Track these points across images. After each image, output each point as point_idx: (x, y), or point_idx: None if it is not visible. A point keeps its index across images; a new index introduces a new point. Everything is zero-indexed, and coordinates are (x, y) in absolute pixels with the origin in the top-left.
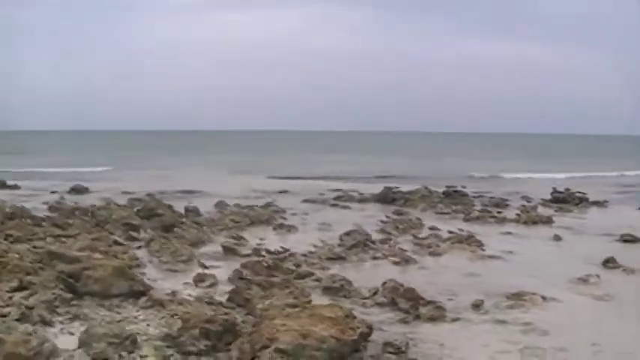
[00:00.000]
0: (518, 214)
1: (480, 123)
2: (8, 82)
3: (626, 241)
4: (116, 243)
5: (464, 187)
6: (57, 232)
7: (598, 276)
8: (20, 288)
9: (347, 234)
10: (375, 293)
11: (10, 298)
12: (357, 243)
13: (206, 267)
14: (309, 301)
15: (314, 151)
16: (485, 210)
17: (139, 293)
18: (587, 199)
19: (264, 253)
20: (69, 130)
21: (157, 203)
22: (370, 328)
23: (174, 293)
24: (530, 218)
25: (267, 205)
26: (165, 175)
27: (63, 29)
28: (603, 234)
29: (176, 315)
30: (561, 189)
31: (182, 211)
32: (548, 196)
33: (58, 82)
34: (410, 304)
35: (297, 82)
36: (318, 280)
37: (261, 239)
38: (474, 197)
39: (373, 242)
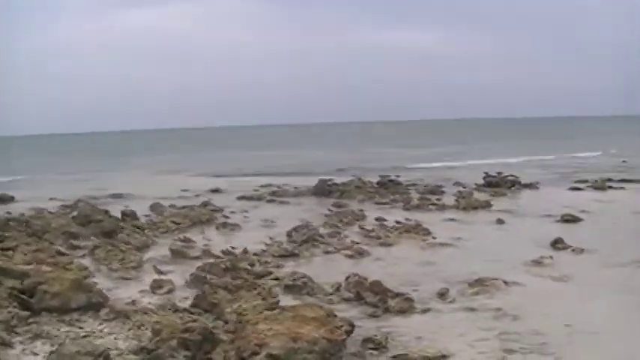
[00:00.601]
0: (457, 200)
1: (396, 111)
2: None
3: (566, 221)
4: (59, 253)
5: (398, 176)
6: None
7: (551, 257)
8: None
9: (294, 230)
10: (337, 289)
11: None
12: (308, 238)
13: (162, 273)
14: (277, 302)
15: (232, 147)
16: (424, 198)
17: (97, 305)
18: (519, 182)
19: (215, 253)
20: None
21: (93, 209)
22: (352, 325)
23: (134, 302)
24: (469, 204)
25: (204, 204)
26: (90, 179)
27: None
28: (543, 215)
29: (143, 326)
30: (493, 173)
31: (118, 215)
32: (481, 181)
33: None
34: (378, 297)
35: (206, 77)
36: (277, 279)
37: (207, 240)
38: (408, 186)
39: (322, 236)
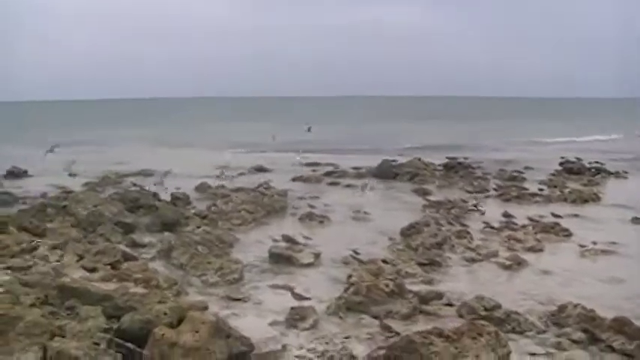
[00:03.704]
0: (561, 191)
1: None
2: None
3: None
4: (125, 257)
5: (466, 158)
6: (34, 242)
7: None
8: None
9: (412, 227)
10: (546, 322)
11: None
12: (442, 241)
13: (304, 297)
14: (509, 353)
15: (234, 119)
16: (518, 187)
17: (240, 357)
18: (605, 170)
19: (332, 258)
20: None
21: (141, 192)
22: None
23: (284, 348)
24: (578, 196)
25: (263, 186)
26: (98, 151)
27: None
28: None
29: None
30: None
31: (166, 197)
32: (556, 166)
33: None
34: (635, 343)
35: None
36: (450, 304)
37: (305, 238)
38: (476, 169)
39: (449, 237)
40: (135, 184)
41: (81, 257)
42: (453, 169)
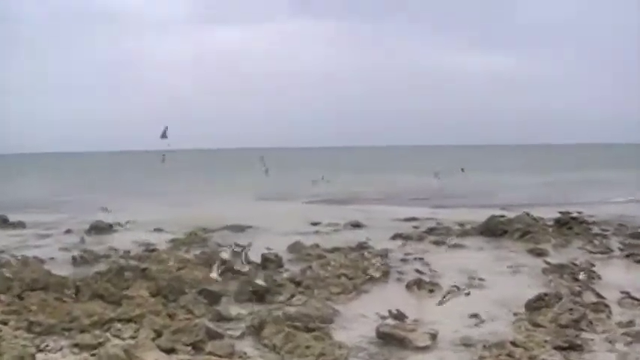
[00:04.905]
0: None
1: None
2: None
3: None
4: (210, 335)
5: (579, 212)
6: (106, 313)
7: None
8: None
9: (539, 299)
10: None
11: None
12: (579, 318)
13: None
14: None
15: (319, 169)
16: None
17: None
18: None
19: (450, 340)
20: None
21: (233, 254)
22: None
23: None
24: None
25: (361, 246)
26: (185, 203)
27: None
28: None
29: None
30: None
31: (256, 258)
32: None
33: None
34: None
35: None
36: None
37: (416, 312)
38: (591, 225)
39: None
40: (220, 245)
41: (158, 334)
42: (567, 225)
